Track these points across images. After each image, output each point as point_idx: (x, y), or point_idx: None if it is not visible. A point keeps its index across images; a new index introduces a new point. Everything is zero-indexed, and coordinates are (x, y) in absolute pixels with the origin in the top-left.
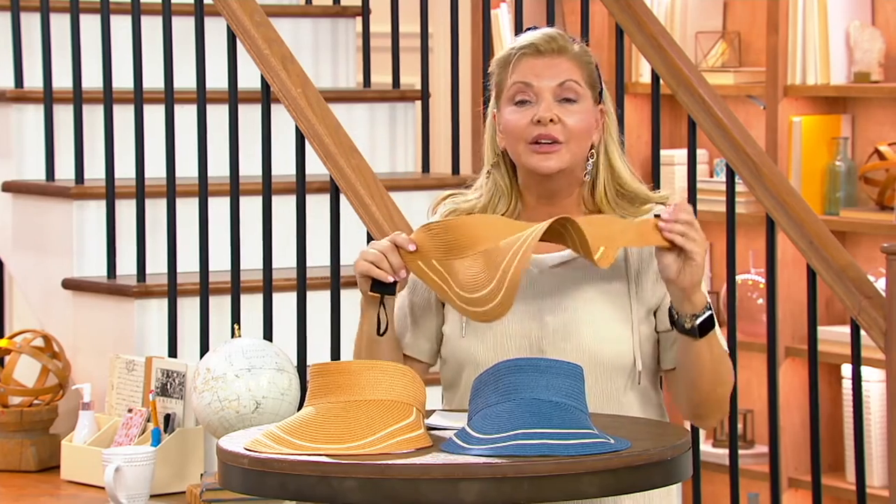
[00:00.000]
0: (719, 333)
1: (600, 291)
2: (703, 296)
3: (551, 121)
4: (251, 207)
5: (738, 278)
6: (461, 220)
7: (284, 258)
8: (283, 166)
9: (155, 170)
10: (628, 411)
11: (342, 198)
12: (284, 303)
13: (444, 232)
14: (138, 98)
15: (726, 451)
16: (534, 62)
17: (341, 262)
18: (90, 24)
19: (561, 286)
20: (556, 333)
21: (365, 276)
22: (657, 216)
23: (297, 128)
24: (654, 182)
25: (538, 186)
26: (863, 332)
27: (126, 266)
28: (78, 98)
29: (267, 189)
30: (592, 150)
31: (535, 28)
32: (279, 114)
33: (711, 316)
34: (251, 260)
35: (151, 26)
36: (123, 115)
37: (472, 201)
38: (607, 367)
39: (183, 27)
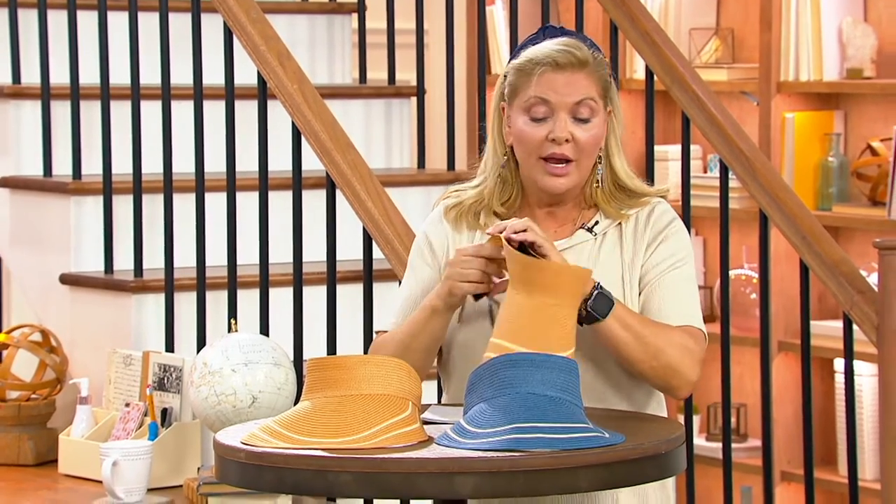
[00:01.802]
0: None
1: (598, 279)
2: (589, 282)
3: (566, 140)
4: (248, 203)
5: (732, 273)
6: (540, 262)
7: (281, 253)
8: (280, 162)
9: (152, 165)
10: (623, 398)
11: (338, 193)
12: (281, 298)
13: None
14: (135, 94)
15: (719, 444)
16: (553, 77)
17: (337, 257)
18: (87, 21)
19: None
20: None
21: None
22: (495, 237)
23: (293, 124)
24: (649, 178)
25: (542, 196)
26: (855, 327)
27: (123, 261)
28: (75, 94)
29: (263, 184)
30: (600, 154)
31: (549, 29)
32: (275, 110)
33: (601, 293)
34: (248, 255)
35: (148, 22)
36: (120, 112)
37: (476, 189)
38: (602, 353)
39: (180, 23)
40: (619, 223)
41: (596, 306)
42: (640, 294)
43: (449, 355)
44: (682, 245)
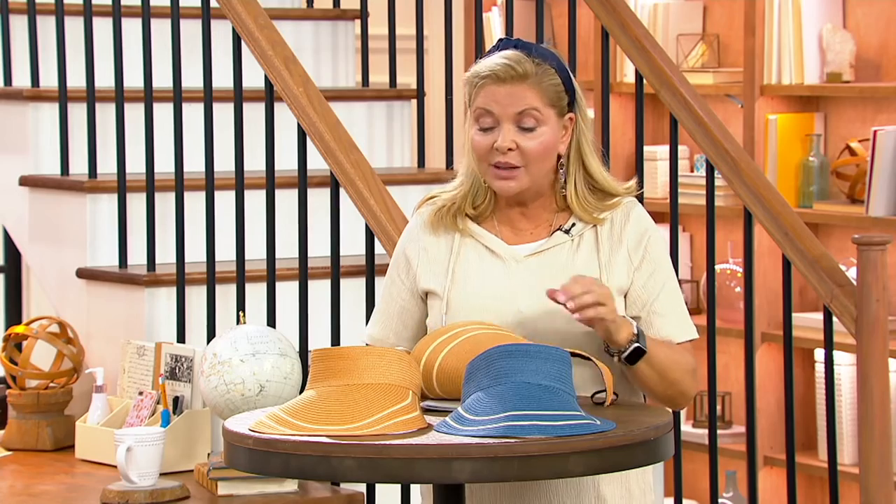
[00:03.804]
0: (682, 332)
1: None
2: (627, 332)
3: (510, 149)
4: (255, 201)
5: (718, 268)
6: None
7: (287, 249)
8: (286, 162)
9: (164, 165)
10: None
11: (342, 191)
12: (287, 291)
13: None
14: (148, 97)
15: (706, 431)
16: (495, 90)
17: (341, 253)
18: (102, 27)
19: (535, 275)
20: (533, 320)
21: None
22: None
23: (298, 125)
24: (638, 176)
25: (505, 197)
26: (835, 319)
27: (137, 256)
28: (91, 97)
29: (270, 183)
30: (561, 161)
31: (503, 41)
32: (282, 112)
33: (637, 348)
34: (255, 250)
35: (161, 29)
36: (134, 113)
37: (452, 193)
38: (581, 350)
39: (190, 29)
40: (595, 224)
41: (629, 358)
42: (626, 303)
43: None
44: (661, 254)
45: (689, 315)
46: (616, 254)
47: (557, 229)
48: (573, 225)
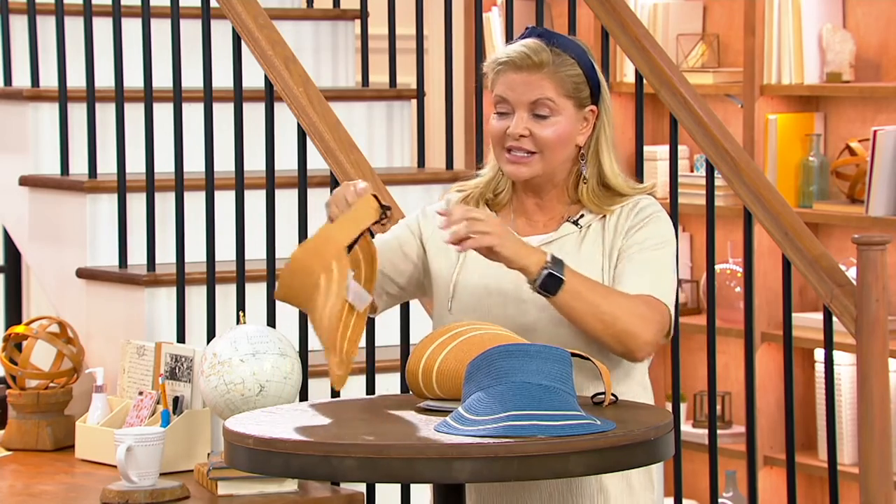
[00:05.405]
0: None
1: (580, 269)
2: (537, 259)
3: (522, 135)
4: (255, 200)
5: (718, 268)
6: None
7: (287, 249)
8: (286, 161)
9: (164, 165)
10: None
11: None
12: None
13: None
14: (148, 97)
15: (705, 431)
16: (512, 77)
17: None
18: (102, 27)
19: None
20: (539, 311)
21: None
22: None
23: (298, 125)
24: (638, 176)
25: (520, 184)
26: (835, 319)
27: (136, 256)
28: (91, 97)
29: (270, 183)
30: (582, 152)
31: (528, 29)
32: (282, 112)
33: (550, 273)
34: (255, 250)
35: (160, 29)
36: (134, 113)
37: (479, 180)
38: (589, 344)
39: (190, 29)
40: (604, 216)
41: (545, 286)
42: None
43: None
44: (661, 231)
45: (667, 288)
46: (619, 240)
47: (567, 220)
48: (582, 216)
